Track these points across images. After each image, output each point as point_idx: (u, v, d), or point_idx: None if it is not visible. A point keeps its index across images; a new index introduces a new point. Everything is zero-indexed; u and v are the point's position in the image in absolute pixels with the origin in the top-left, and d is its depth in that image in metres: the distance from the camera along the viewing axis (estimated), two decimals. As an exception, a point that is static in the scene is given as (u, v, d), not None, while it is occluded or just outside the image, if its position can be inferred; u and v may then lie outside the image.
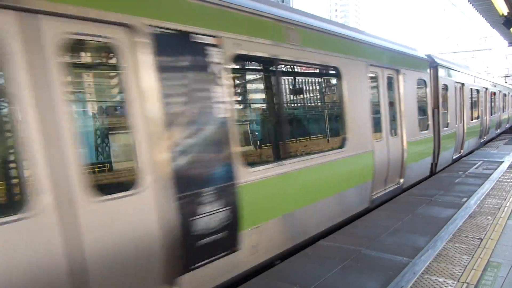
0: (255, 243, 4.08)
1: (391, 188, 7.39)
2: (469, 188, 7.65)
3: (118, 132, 4.00)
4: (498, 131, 19.11)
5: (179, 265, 3.29)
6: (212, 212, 3.49)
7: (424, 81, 8.89)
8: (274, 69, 4.67)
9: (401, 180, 7.74)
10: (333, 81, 6.28)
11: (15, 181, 2.77)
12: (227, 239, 3.69)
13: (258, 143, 5.37)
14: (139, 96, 3.05)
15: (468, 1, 11.28)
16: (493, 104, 17.42)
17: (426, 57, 9.36)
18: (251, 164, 4.12)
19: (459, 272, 3.89)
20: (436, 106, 9.44)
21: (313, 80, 6.52)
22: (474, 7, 11.84)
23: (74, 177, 2.63)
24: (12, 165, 2.78)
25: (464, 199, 6.77)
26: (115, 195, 2.87)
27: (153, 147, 3.12)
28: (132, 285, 3.00)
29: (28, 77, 2.44)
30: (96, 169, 3.84)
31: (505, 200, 6.58)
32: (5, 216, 2.31)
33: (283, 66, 5.02)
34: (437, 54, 11.67)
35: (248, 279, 4.04)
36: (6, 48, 2.35)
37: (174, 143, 3.25)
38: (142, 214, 3.04)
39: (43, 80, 2.51)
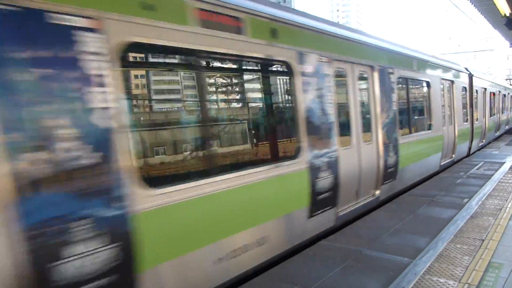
0: None
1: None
2: (470, 189, 7.63)
3: None
4: (507, 127, 22.95)
5: None
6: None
7: (465, 88, 12.29)
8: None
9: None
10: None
11: None
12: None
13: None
14: None
15: (470, 2, 11.26)
16: (503, 104, 20.80)
17: (466, 70, 12.71)
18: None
19: (460, 272, 3.88)
20: (471, 106, 12.68)
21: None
22: (476, 8, 11.82)
23: None
24: None
25: (466, 200, 6.76)
26: None
27: None
28: None
29: None
30: None
31: (506, 201, 6.56)
32: None
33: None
34: (438, 54, 12.51)
35: None
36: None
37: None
38: None
39: None
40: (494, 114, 17.53)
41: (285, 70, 4.81)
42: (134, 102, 3.87)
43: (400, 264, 4.16)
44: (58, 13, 2.57)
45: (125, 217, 2.85)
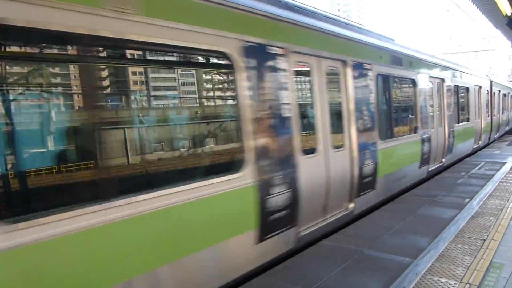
0: None
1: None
2: (471, 189, 7.62)
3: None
4: None
5: None
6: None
7: (488, 91, 16.03)
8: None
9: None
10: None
11: None
12: None
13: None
14: None
15: (472, 2, 11.25)
16: (510, 104, 24.33)
17: (487, 77, 16.52)
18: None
19: (461, 272, 3.88)
20: (491, 104, 16.56)
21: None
22: (477, 8, 11.81)
23: None
24: None
25: (467, 200, 6.75)
26: None
27: None
28: None
29: None
30: None
31: (508, 201, 6.55)
32: None
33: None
34: (439, 54, 13.10)
35: None
36: None
37: None
38: None
39: None
40: (504, 112, 21.36)
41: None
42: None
43: (401, 264, 4.15)
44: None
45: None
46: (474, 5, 11.51)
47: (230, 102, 4.49)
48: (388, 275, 3.90)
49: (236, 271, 3.88)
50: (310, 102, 5.22)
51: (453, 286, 3.60)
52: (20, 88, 3.49)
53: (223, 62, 4.15)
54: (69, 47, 3.21)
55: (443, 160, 10.18)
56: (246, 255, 3.96)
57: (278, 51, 4.44)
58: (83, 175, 3.46)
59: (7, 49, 3.14)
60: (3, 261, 2.29)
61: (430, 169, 9.21)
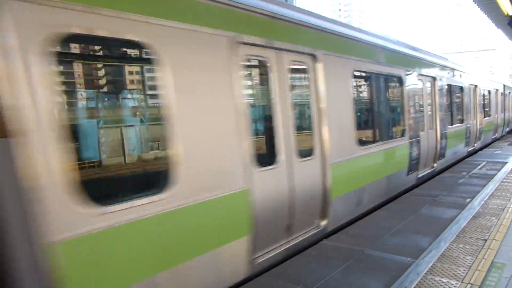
0: None
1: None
2: (473, 189, 7.61)
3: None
4: None
5: None
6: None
7: (503, 93, 19.58)
8: None
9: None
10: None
11: None
12: None
13: None
14: None
15: (473, 1, 11.23)
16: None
17: (501, 82, 20.21)
18: None
19: (463, 272, 3.87)
20: (503, 103, 19.92)
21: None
22: (478, 7, 11.80)
23: None
24: None
25: (468, 200, 6.74)
26: None
27: None
28: None
29: None
30: None
31: (509, 201, 6.54)
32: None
33: None
34: (441, 54, 13.08)
35: None
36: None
37: None
38: None
39: None
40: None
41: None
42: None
43: (403, 264, 4.15)
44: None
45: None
46: (476, 4, 11.50)
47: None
48: (389, 275, 3.89)
49: None
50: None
51: (454, 286, 3.59)
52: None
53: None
54: None
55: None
56: None
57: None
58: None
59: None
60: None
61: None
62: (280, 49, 4.43)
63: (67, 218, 2.48)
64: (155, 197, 2.99)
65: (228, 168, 3.66)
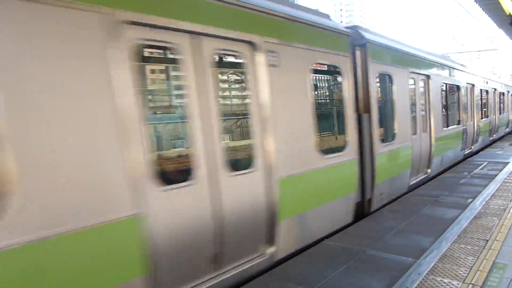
0: None
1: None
2: (474, 189, 7.60)
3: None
4: None
5: None
6: None
7: (509, 92, 21.73)
8: None
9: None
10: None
11: None
12: None
13: None
14: None
15: (475, 1, 11.21)
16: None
17: (500, 81, 20.73)
18: None
19: (464, 273, 3.87)
20: (503, 104, 20.61)
21: None
22: (480, 7, 11.76)
23: None
24: None
25: (469, 200, 6.73)
26: None
27: None
28: None
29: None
30: None
31: (511, 201, 6.53)
32: None
33: None
34: (442, 54, 12.97)
35: None
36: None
37: None
38: None
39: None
40: None
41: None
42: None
43: (404, 264, 4.15)
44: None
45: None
46: (477, 4, 11.47)
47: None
48: (391, 275, 3.89)
49: None
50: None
51: (455, 287, 3.59)
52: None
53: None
54: None
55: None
56: None
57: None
58: None
59: None
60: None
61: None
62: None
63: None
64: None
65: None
